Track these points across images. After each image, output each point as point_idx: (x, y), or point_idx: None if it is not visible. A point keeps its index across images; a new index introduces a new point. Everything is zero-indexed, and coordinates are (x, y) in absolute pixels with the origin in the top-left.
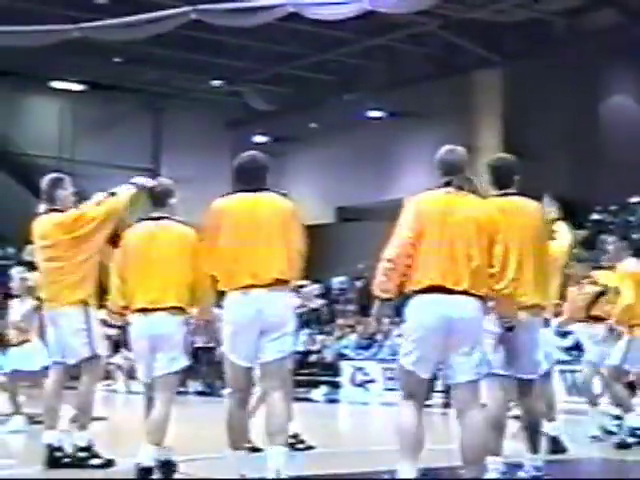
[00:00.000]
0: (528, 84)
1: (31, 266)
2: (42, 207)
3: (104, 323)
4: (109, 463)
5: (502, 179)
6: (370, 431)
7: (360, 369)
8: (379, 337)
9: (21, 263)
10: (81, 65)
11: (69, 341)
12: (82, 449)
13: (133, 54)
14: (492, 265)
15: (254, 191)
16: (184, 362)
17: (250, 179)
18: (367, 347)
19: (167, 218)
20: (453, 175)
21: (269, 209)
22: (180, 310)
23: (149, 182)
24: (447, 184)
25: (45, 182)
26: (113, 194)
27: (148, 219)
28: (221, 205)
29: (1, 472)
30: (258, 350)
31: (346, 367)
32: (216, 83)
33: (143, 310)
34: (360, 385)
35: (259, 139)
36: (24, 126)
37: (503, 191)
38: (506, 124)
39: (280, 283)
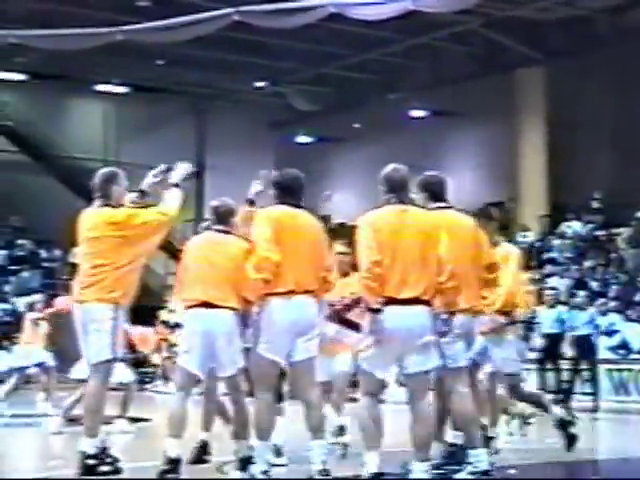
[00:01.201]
0: (572, 82)
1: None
2: (96, 204)
3: (164, 324)
4: (118, 470)
5: (437, 194)
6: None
7: None
8: None
9: (67, 265)
10: (124, 68)
11: (93, 341)
12: (91, 456)
13: (176, 56)
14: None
15: (297, 207)
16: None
17: (295, 195)
18: None
19: (229, 233)
20: (398, 192)
21: (311, 225)
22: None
23: (189, 169)
24: (399, 201)
25: (99, 177)
26: (143, 193)
27: (214, 230)
28: (273, 215)
29: (41, 474)
30: (292, 351)
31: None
32: (259, 84)
33: (205, 304)
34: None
35: (302, 140)
36: (69, 129)
37: (437, 205)
38: (550, 123)
39: (313, 292)
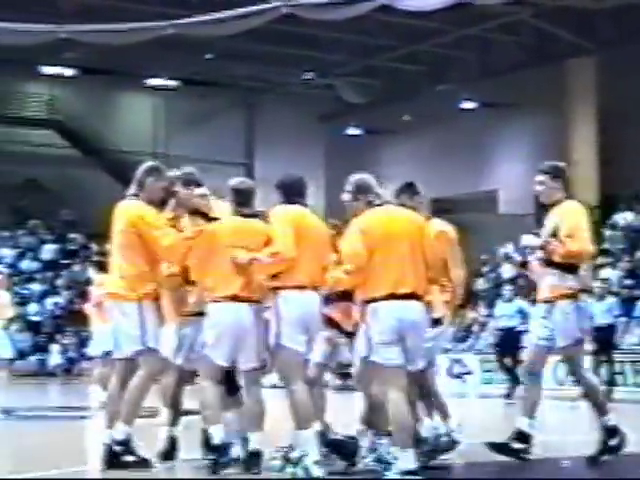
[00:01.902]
0: (623, 72)
1: None
2: (131, 190)
3: None
4: (144, 462)
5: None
6: (466, 424)
7: (457, 361)
8: (475, 329)
9: None
10: (174, 62)
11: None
12: (119, 442)
13: (225, 50)
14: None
15: (304, 206)
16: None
17: (303, 196)
18: (464, 339)
19: (255, 216)
20: (373, 193)
21: (319, 224)
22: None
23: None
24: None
25: (141, 168)
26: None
27: (239, 215)
28: (291, 214)
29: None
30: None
31: (443, 359)
32: (308, 76)
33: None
34: (457, 377)
35: (352, 132)
36: (119, 123)
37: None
38: (601, 113)
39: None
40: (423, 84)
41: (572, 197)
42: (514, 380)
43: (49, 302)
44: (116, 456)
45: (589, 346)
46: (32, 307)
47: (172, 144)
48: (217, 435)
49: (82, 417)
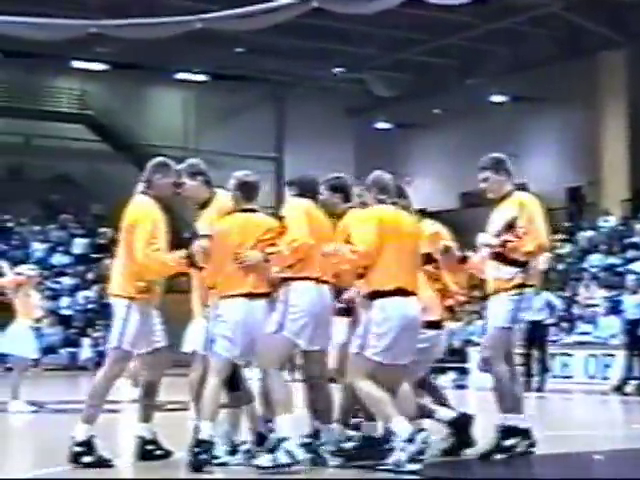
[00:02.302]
0: None
1: None
2: (140, 187)
3: None
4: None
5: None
6: (497, 417)
7: None
8: None
9: None
10: (204, 56)
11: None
12: (147, 442)
13: (255, 44)
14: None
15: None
16: None
17: (315, 193)
18: None
19: (256, 211)
20: (389, 194)
21: (326, 219)
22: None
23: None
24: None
25: (150, 164)
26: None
27: (240, 211)
28: (304, 207)
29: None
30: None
31: (474, 353)
32: (338, 70)
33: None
34: (487, 371)
35: (382, 126)
36: (149, 118)
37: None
38: (632, 106)
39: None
40: (453, 78)
41: (525, 188)
42: (543, 373)
43: (80, 296)
44: (145, 449)
45: (622, 340)
46: (63, 301)
47: (202, 138)
48: (205, 431)
49: (112, 411)
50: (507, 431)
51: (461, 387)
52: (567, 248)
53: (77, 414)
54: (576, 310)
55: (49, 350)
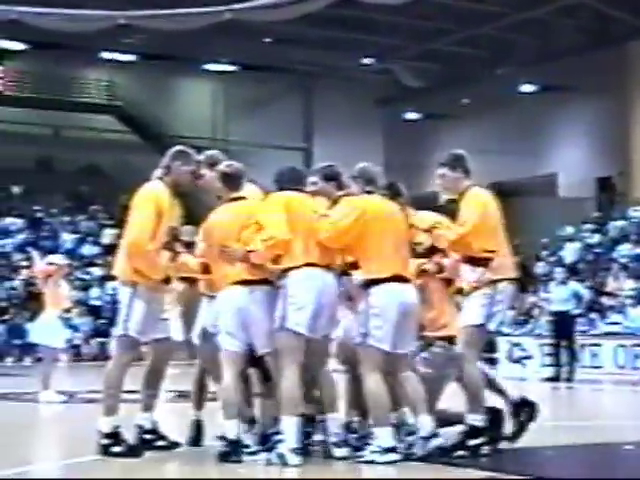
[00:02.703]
0: None
1: (189, 246)
2: (157, 172)
3: None
4: (174, 445)
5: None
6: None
7: (517, 345)
8: (535, 312)
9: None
10: (232, 46)
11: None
12: (147, 431)
13: (283, 34)
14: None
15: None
16: None
17: (296, 183)
18: (524, 323)
19: (244, 198)
20: (375, 184)
21: (312, 206)
22: None
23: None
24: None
25: (170, 151)
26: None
27: (229, 200)
28: (285, 200)
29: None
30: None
31: (503, 343)
32: (366, 61)
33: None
34: (517, 361)
35: (410, 116)
36: (177, 109)
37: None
38: None
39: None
40: (482, 68)
41: (482, 185)
42: (572, 363)
43: (109, 286)
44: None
45: None
46: (93, 292)
47: (231, 129)
48: (232, 430)
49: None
50: (473, 430)
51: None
52: (597, 238)
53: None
54: (605, 300)
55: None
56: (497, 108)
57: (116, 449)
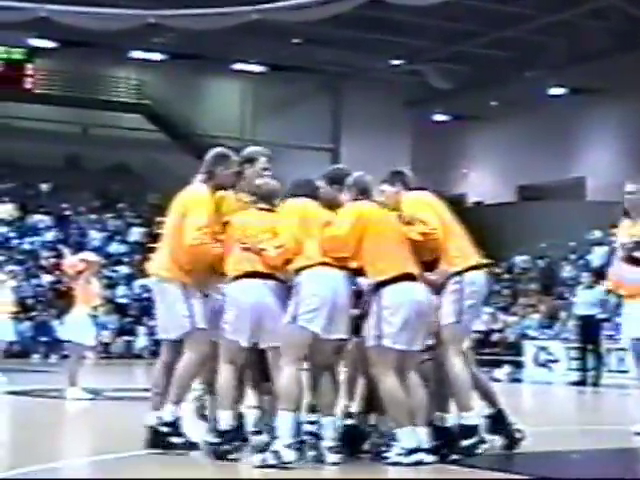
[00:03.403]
0: None
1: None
2: (199, 177)
3: None
4: (191, 445)
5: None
6: (554, 411)
7: (543, 349)
8: (562, 316)
9: None
10: (261, 47)
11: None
12: (166, 424)
13: (312, 35)
14: None
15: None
16: None
17: (310, 191)
18: (550, 326)
19: (271, 210)
20: (368, 195)
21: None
22: None
23: None
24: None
25: (209, 155)
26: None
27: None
28: (299, 207)
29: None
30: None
31: (529, 346)
32: (395, 62)
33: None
34: (543, 365)
35: (438, 118)
36: (206, 108)
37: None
38: None
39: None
40: (511, 70)
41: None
42: (598, 367)
43: (136, 285)
44: (163, 437)
45: None
46: (120, 290)
47: (258, 129)
48: (225, 421)
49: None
50: (466, 430)
51: (516, 380)
52: None
53: (133, 402)
54: None
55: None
56: (525, 111)
57: (174, 440)
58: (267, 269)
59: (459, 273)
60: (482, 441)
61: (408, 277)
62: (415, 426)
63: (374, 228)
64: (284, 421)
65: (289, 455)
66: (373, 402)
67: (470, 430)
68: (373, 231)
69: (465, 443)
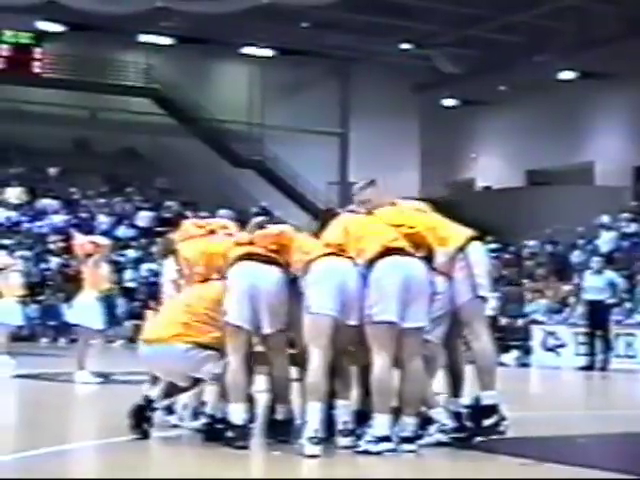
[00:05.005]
0: None
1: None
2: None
3: None
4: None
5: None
6: (561, 396)
7: (551, 333)
8: (571, 301)
9: None
10: (269, 31)
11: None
12: (218, 420)
13: (321, 19)
14: None
15: None
16: None
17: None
18: (558, 311)
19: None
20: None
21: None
22: None
23: None
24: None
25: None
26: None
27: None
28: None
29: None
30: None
31: (537, 331)
32: (404, 46)
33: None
34: (551, 349)
35: (447, 102)
36: (214, 92)
37: None
38: None
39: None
40: (520, 54)
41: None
42: (606, 352)
43: (144, 269)
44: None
45: None
46: (127, 274)
47: (267, 113)
48: (236, 415)
49: None
50: (488, 409)
51: (524, 365)
52: (633, 227)
53: (141, 385)
54: None
55: (115, 322)
56: (534, 95)
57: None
58: (264, 252)
59: (461, 250)
60: (503, 419)
61: (398, 251)
62: (404, 415)
63: (356, 220)
64: (310, 412)
65: (311, 449)
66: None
67: (490, 409)
68: (356, 222)
69: (486, 423)
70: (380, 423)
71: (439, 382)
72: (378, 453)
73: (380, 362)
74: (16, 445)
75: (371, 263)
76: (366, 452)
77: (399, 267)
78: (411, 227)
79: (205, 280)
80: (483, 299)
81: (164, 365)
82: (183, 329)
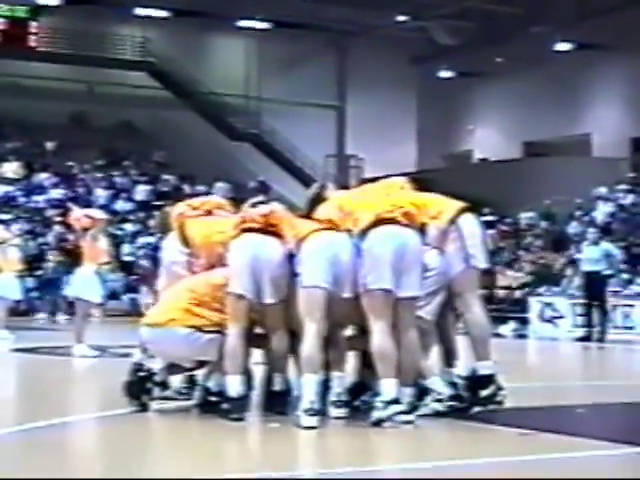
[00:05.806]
0: None
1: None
2: None
3: None
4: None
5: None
6: (559, 367)
7: (549, 305)
8: (568, 272)
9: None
10: (266, 4)
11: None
12: (213, 393)
13: None
14: None
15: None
16: None
17: None
18: (555, 283)
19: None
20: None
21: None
22: None
23: None
24: None
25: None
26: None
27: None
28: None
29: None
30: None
31: (534, 303)
32: (401, 19)
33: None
34: (549, 321)
35: (444, 74)
36: (211, 65)
37: None
38: None
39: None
40: (517, 26)
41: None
42: (604, 323)
43: (141, 242)
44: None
45: None
46: (125, 248)
47: (264, 87)
48: (233, 387)
49: None
50: (484, 380)
51: (522, 336)
52: (630, 199)
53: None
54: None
55: (112, 296)
56: (532, 67)
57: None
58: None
59: (452, 222)
60: (500, 388)
61: (391, 221)
62: (401, 386)
63: (351, 197)
64: (305, 385)
65: (307, 421)
66: (366, 359)
67: (487, 379)
68: (351, 197)
69: (484, 393)
70: (387, 388)
71: (433, 356)
72: (389, 419)
73: (379, 330)
74: (16, 418)
75: (364, 233)
76: (379, 422)
77: (392, 236)
78: (400, 207)
79: (209, 268)
80: (476, 270)
81: (165, 348)
82: (186, 314)
